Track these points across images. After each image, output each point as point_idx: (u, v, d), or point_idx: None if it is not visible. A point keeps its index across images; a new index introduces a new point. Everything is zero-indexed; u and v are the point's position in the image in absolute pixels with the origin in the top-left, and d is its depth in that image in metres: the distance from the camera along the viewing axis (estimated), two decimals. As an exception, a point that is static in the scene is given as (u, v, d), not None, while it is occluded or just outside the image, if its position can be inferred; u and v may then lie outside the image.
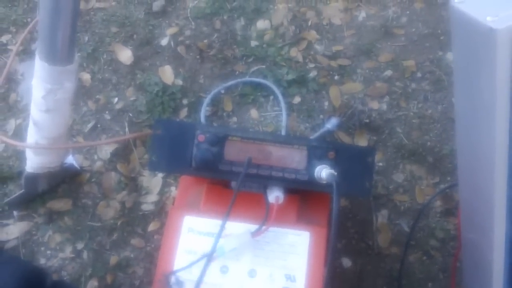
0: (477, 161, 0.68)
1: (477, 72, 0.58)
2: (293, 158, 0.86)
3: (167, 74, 1.40)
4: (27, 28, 1.42)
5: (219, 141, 0.84)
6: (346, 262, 1.16)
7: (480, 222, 0.75)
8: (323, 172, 0.82)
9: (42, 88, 0.97)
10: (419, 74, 1.39)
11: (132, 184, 1.24)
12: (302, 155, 0.86)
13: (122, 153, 1.29)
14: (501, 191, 0.66)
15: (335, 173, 0.81)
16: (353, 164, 0.87)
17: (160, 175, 1.25)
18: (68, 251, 1.17)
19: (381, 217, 1.21)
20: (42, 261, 1.16)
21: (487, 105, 0.59)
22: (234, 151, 0.85)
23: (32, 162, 1.11)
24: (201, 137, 0.84)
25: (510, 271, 0.76)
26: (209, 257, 0.82)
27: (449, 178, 1.25)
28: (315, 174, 0.84)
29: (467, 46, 0.58)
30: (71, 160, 1.22)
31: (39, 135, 1.04)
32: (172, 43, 1.46)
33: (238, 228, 0.85)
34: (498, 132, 0.60)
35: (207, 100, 1.34)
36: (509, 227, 0.70)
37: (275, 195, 0.85)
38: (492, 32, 0.52)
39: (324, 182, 0.83)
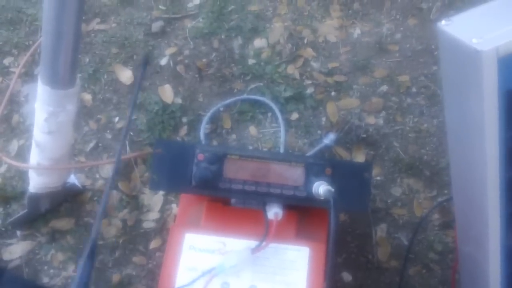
0: (469, 175, 0.69)
1: (465, 91, 0.61)
2: (291, 175, 0.87)
3: (167, 93, 1.43)
4: (29, 51, 1.46)
5: (218, 159, 0.86)
6: (346, 277, 1.17)
7: (475, 234, 0.76)
8: (321, 188, 0.84)
9: (44, 111, 0.99)
10: (414, 89, 1.41)
11: (134, 202, 1.26)
12: (300, 172, 0.87)
13: (123, 172, 1.30)
14: (494, 203, 0.67)
15: (332, 190, 0.83)
16: (350, 179, 0.89)
17: (161, 192, 1.27)
18: (71, 270, 1.18)
19: (380, 231, 1.22)
20: (45, 280, 1.17)
21: (476, 121, 0.61)
22: (233, 169, 0.87)
23: (35, 183, 1.13)
24: (200, 156, 0.86)
25: (507, 283, 0.77)
26: (210, 273, 0.84)
27: (446, 191, 1.26)
28: (313, 190, 0.86)
29: (455, 65, 0.60)
30: (73, 179, 1.24)
31: (42, 156, 1.06)
32: (171, 62, 1.49)
33: (238, 245, 0.87)
34: (488, 147, 0.62)
35: (206, 118, 1.37)
36: (504, 239, 0.72)
37: (274, 212, 0.87)
38: (478, 53, 0.54)
39: (322, 198, 0.84)
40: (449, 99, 0.65)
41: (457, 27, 0.58)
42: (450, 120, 0.68)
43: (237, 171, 0.87)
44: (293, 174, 0.87)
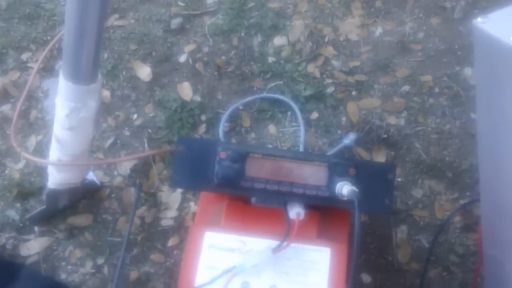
0: (500, 178, 0.68)
1: (500, 90, 0.59)
2: (314, 175, 0.86)
3: (186, 90, 1.42)
4: (48, 46, 1.46)
5: (241, 158, 0.85)
6: (366, 278, 1.15)
7: (503, 238, 0.74)
8: (344, 188, 0.83)
9: (65, 107, 0.99)
10: (436, 89, 1.39)
11: (152, 200, 1.26)
12: (323, 172, 0.86)
13: (142, 169, 1.30)
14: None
15: (356, 190, 0.82)
16: (374, 180, 0.87)
17: (179, 190, 1.26)
18: (88, 266, 1.18)
19: (401, 232, 1.21)
20: (63, 276, 1.17)
21: (510, 122, 0.59)
22: (256, 168, 0.86)
23: (54, 179, 1.13)
24: (223, 154, 0.85)
25: (535, 289, 0.75)
26: (231, 272, 0.83)
27: (468, 193, 1.24)
28: (336, 190, 0.84)
29: (490, 64, 0.59)
30: (91, 176, 1.24)
31: (62, 152, 1.06)
32: (190, 60, 1.48)
33: (259, 244, 0.86)
34: (522, 149, 0.60)
35: (225, 116, 1.36)
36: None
37: (296, 212, 0.86)
38: (516, 51, 0.52)
39: (345, 198, 0.83)
40: (482, 98, 0.63)
41: (494, 25, 0.56)
42: (482, 120, 0.66)
43: (259, 170, 0.86)
44: (316, 174, 0.86)
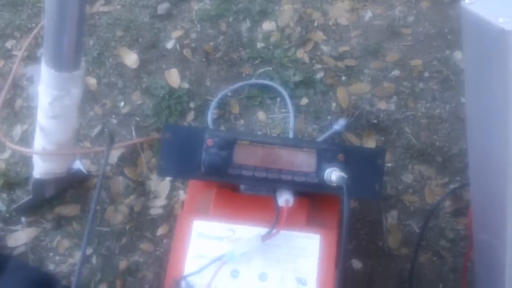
0: (489, 162, 0.67)
1: (489, 73, 0.58)
2: (302, 161, 0.85)
3: (174, 77, 1.40)
4: (31, 34, 1.43)
5: (228, 145, 0.84)
6: (356, 264, 1.15)
7: (492, 222, 0.74)
8: (333, 174, 0.82)
9: (48, 94, 0.96)
10: (426, 74, 1.38)
11: (140, 189, 1.24)
12: (311, 158, 0.85)
13: (129, 157, 1.28)
14: (514, 191, 0.65)
15: (345, 176, 0.81)
16: (363, 166, 0.87)
17: (168, 179, 1.25)
18: (77, 257, 1.17)
19: (391, 218, 1.20)
20: (51, 267, 1.16)
21: (499, 105, 0.58)
22: (243, 155, 0.85)
23: (40, 168, 1.11)
24: (210, 142, 0.84)
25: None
26: (220, 261, 0.82)
27: (458, 178, 1.24)
28: (325, 176, 0.84)
29: (478, 46, 0.57)
30: (78, 165, 1.22)
31: (46, 141, 1.04)
32: (177, 46, 1.46)
33: (248, 232, 0.85)
34: (511, 132, 0.59)
35: (214, 103, 1.34)
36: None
37: (285, 198, 0.85)
38: (504, 33, 0.51)
39: (334, 184, 0.82)
40: (471, 81, 0.62)
41: (482, 6, 0.55)
42: (470, 103, 0.65)
43: (247, 157, 0.85)
44: (305, 160, 0.85)
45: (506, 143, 0.60)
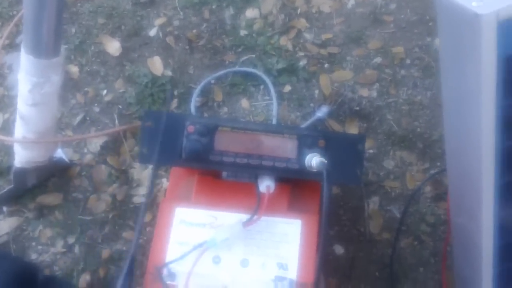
0: (464, 146, 0.68)
1: (463, 58, 0.59)
2: (283, 147, 0.86)
3: (156, 65, 1.39)
4: (13, 21, 1.41)
5: (209, 131, 0.84)
6: (339, 249, 1.17)
7: (468, 206, 0.75)
8: (313, 160, 0.83)
9: (28, 82, 0.96)
10: (408, 61, 1.39)
11: (123, 177, 1.24)
12: (292, 144, 0.86)
13: (112, 146, 1.28)
14: (488, 173, 0.66)
15: (325, 161, 0.82)
16: (344, 151, 0.87)
17: (151, 166, 1.24)
18: (59, 246, 1.16)
19: (373, 203, 1.22)
20: (34, 256, 1.16)
21: (473, 90, 0.59)
22: (224, 142, 0.85)
23: (21, 157, 1.10)
24: (190, 128, 0.84)
25: (499, 254, 0.77)
26: (201, 247, 0.82)
27: (439, 163, 1.26)
28: (306, 162, 0.84)
29: (453, 32, 0.58)
30: (60, 153, 1.22)
31: (27, 129, 1.03)
32: (160, 33, 1.45)
33: (230, 218, 0.85)
34: (484, 115, 0.60)
35: (197, 91, 1.34)
36: (497, 210, 0.71)
37: (266, 185, 0.86)
38: (477, 17, 0.52)
39: (315, 170, 0.83)
40: (446, 66, 0.63)
41: (456, -9, 0.55)
42: (446, 89, 0.66)
43: (228, 143, 0.85)
44: (286, 146, 0.86)
45: (480, 127, 0.61)
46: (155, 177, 1.22)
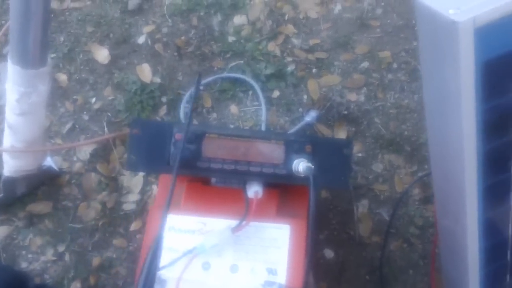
0: (447, 150, 0.69)
1: (442, 64, 0.60)
2: (271, 153, 0.86)
3: (145, 72, 1.40)
4: (1, 31, 1.41)
5: (197, 138, 0.84)
6: (329, 253, 1.17)
7: (453, 208, 0.76)
8: (300, 165, 0.83)
9: (15, 92, 0.96)
10: (395, 65, 1.41)
11: (113, 184, 1.24)
12: (280, 150, 0.86)
13: (102, 153, 1.28)
14: (471, 176, 0.67)
15: (312, 166, 0.82)
16: (331, 156, 0.88)
17: (141, 174, 1.25)
18: (49, 254, 1.16)
19: (362, 207, 1.23)
20: (24, 265, 1.16)
21: (453, 94, 0.60)
22: (212, 148, 0.85)
23: (9, 166, 1.10)
24: (178, 136, 0.84)
25: (484, 255, 0.78)
26: (191, 254, 0.83)
27: (426, 166, 1.27)
28: (293, 168, 0.85)
29: (432, 38, 0.59)
30: (49, 162, 1.22)
31: (15, 138, 1.03)
32: (149, 41, 1.46)
33: (219, 224, 0.86)
34: (464, 120, 0.61)
35: (186, 97, 1.34)
36: (481, 212, 0.72)
37: (254, 190, 0.86)
38: (454, 24, 0.53)
39: (302, 175, 0.83)
40: (426, 72, 0.64)
41: (434, -2, 0.57)
42: (427, 94, 0.67)
43: (216, 150, 0.85)
44: (273, 152, 0.86)
45: (461, 131, 0.62)
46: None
